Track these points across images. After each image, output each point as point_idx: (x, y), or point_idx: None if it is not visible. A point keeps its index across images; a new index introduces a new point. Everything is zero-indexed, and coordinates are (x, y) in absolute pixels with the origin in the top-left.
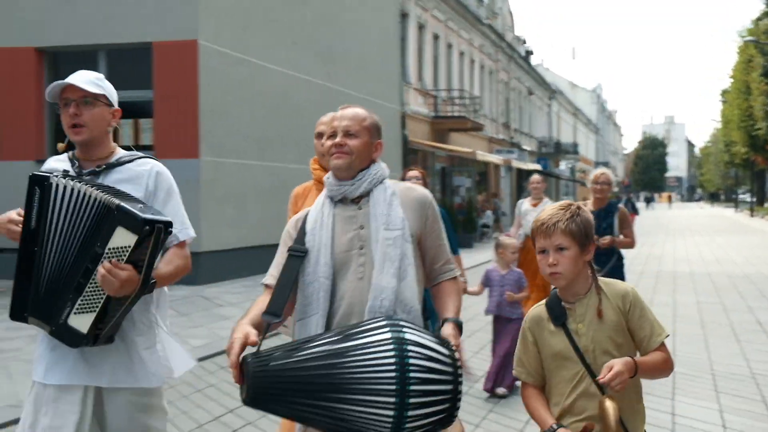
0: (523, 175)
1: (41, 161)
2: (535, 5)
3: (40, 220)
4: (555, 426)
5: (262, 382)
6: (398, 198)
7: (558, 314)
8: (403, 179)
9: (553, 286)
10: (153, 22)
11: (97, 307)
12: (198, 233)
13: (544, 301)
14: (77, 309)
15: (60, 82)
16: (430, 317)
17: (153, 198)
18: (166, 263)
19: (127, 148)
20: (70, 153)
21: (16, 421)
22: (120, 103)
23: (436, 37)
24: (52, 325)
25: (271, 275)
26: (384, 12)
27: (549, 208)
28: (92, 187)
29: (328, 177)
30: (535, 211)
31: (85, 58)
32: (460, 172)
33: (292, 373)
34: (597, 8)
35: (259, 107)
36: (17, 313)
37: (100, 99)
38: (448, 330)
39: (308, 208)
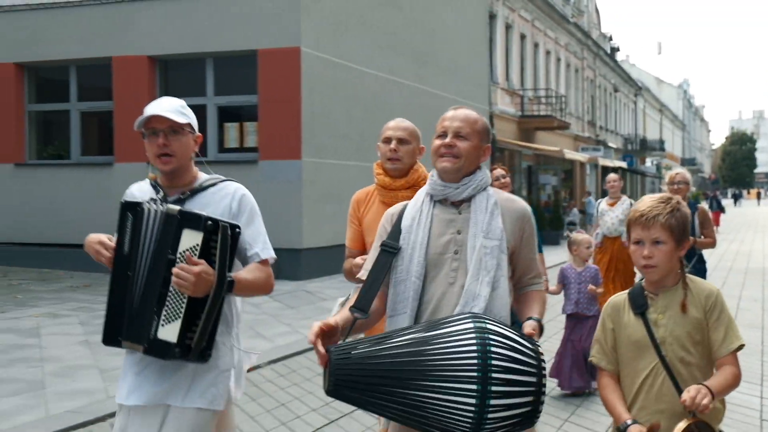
0: (608, 173)
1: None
2: (620, 1)
3: (133, 244)
4: (629, 422)
5: (343, 371)
6: (499, 208)
7: (639, 303)
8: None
9: (631, 288)
10: (258, 30)
11: (181, 312)
12: (299, 231)
13: (626, 291)
14: (163, 320)
15: (148, 113)
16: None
17: (236, 219)
18: (247, 271)
19: (204, 169)
20: (153, 180)
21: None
22: (226, 108)
23: (522, 37)
24: (144, 344)
25: (366, 269)
26: (472, 14)
27: (648, 199)
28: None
29: (432, 175)
30: (612, 210)
31: (193, 65)
32: (546, 170)
33: (374, 360)
34: (683, 2)
35: (355, 109)
36: (111, 337)
37: (186, 128)
38: (528, 323)
39: (405, 203)
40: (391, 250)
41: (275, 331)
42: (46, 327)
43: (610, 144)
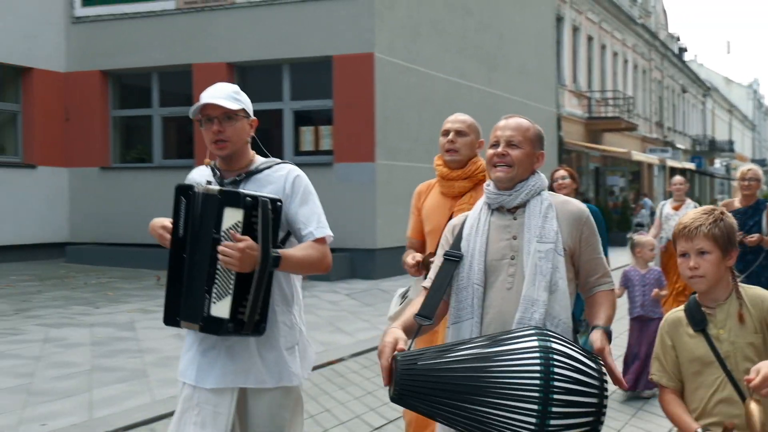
0: (675, 174)
1: None
2: (688, 1)
3: (187, 227)
4: (700, 430)
5: (408, 380)
6: (554, 211)
7: (698, 319)
8: (552, 179)
9: (692, 292)
10: (333, 37)
11: (230, 288)
12: (373, 231)
13: (682, 306)
14: (215, 298)
15: (202, 101)
16: (579, 331)
17: (290, 200)
18: (298, 248)
19: (262, 153)
20: (213, 163)
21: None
22: (301, 112)
23: (590, 39)
24: (200, 321)
25: (430, 278)
26: (541, 17)
27: (692, 212)
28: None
29: (488, 185)
30: (677, 214)
31: (270, 71)
32: (614, 172)
33: (438, 373)
34: (753, 1)
35: (426, 113)
36: (170, 318)
37: (240, 113)
38: (596, 336)
39: (466, 213)
40: (453, 258)
41: (355, 327)
42: (139, 321)
43: (678, 145)
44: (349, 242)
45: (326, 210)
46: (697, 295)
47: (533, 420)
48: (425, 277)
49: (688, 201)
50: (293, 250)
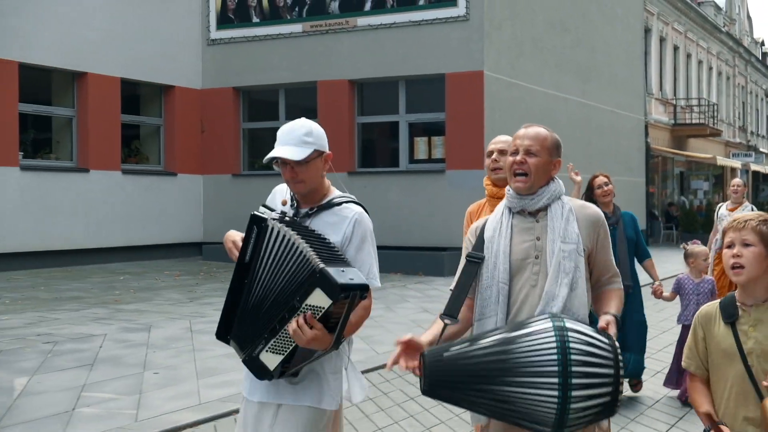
0: (759, 178)
1: (352, 173)
2: None
3: (254, 256)
4: (709, 410)
5: (437, 372)
6: (574, 214)
7: (730, 313)
8: (591, 185)
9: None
10: (446, 57)
11: (286, 351)
12: None
13: (717, 300)
14: (269, 348)
15: (273, 154)
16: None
17: (348, 243)
18: (352, 314)
19: (338, 186)
20: (292, 195)
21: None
22: (416, 124)
23: (675, 49)
24: (246, 355)
25: (454, 280)
26: (630, 30)
27: (748, 213)
28: (301, 237)
29: (508, 189)
30: (732, 216)
31: (387, 87)
32: (698, 176)
33: (464, 361)
34: None
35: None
36: (222, 334)
37: (312, 156)
38: (604, 317)
39: (486, 217)
40: (475, 260)
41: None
42: None
43: (762, 149)
44: (459, 242)
45: (438, 212)
46: (737, 291)
47: (556, 393)
48: None
49: (746, 203)
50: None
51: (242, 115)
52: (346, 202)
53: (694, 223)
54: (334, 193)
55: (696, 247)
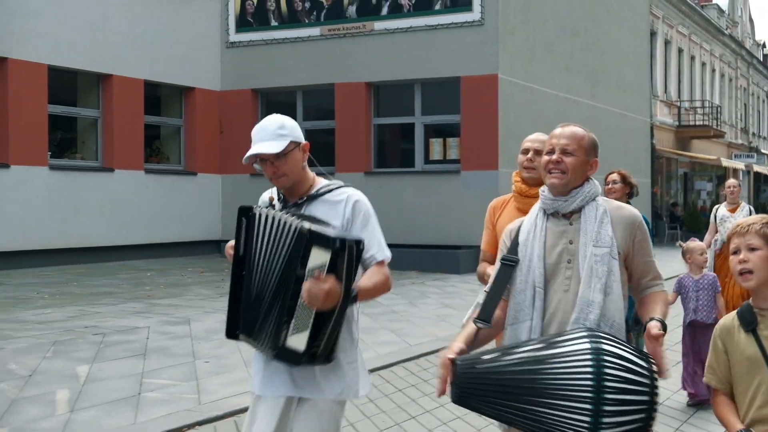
0: (761, 179)
1: (368, 173)
2: None
3: (247, 246)
4: (742, 429)
5: (468, 382)
6: (609, 216)
7: (749, 320)
8: (606, 181)
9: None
10: (461, 60)
11: (308, 324)
12: None
13: (735, 311)
14: (292, 330)
15: (251, 152)
16: (632, 330)
17: (351, 224)
18: (367, 278)
19: (318, 172)
20: (279, 192)
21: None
22: (431, 125)
23: (680, 51)
24: (274, 350)
25: (489, 283)
26: (637, 33)
27: (751, 217)
28: (290, 216)
29: (543, 190)
30: (732, 217)
31: (403, 89)
32: (701, 177)
33: (496, 375)
34: None
35: (539, 126)
36: (230, 332)
37: (289, 148)
38: (652, 323)
39: (521, 218)
40: (510, 263)
41: None
42: None
43: (763, 150)
44: (474, 240)
45: (453, 212)
46: (752, 298)
47: (587, 419)
48: None
49: (744, 204)
50: (365, 281)
51: (260, 116)
52: (336, 188)
53: (698, 223)
54: (321, 182)
55: (690, 243)
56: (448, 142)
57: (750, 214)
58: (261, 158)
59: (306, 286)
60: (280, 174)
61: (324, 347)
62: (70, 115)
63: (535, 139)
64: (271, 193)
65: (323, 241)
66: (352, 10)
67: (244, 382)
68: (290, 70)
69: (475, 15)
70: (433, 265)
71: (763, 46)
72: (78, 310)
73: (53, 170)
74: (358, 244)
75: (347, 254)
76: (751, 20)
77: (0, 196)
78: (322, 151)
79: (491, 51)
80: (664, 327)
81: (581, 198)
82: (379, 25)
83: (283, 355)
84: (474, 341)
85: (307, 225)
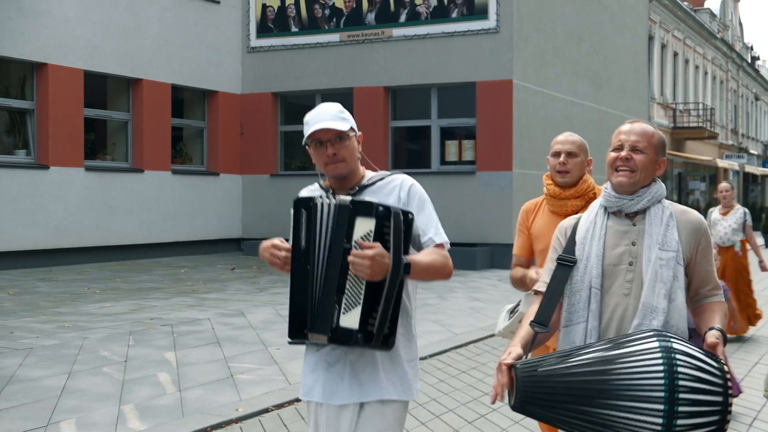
0: (749, 179)
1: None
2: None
3: (309, 239)
4: None
5: (530, 388)
6: (675, 220)
7: None
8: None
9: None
10: (477, 66)
11: (360, 299)
12: (510, 229)
13: None
14: (344, 308)
15: (314, 127)
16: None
17: (407, 208)
18: (424, 254)
19: (369, 167)
20: (322, 183)
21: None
22: (447, 128)
23: (675, 55)
24: (327, 333)
25: (543, 282)
26: (636, 38)
27: None
28: (349, 199)
29: (606, 187)
30: (725, 220)
31: (420, 93)
32: (695, 177)
33: (560, 378)
34: None
35: (549, 129)
36: (297, 332)
37: (350, 132)
38: (712, 332)
39: (578, 215)
40: (568, 263)
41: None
42: None
43: (752, 151)
44: (490, 238)
45: (469, 211)
46: None
47: (660, 420)
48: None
49: (738, 206)
50: (420, 256)
51: (280, 118)
52: (388, 175)
53: None
54: (370, 174)
55: None
56: (464, 144)
57: (744, 216)
58: (320, 141)
59: (351, 256)
60: (339, 158)
61: (380, 324)
62: (101, 118)
63: (564, 140)
64: (311, 189)
65: (366, 209)
66: (371, 17)
67: None
68: (310, 74)
69: (490, 23)
70: (452, 262)
71: (751, 48)
72: (134, 303)
73: (88, 171)
74: (406, 214)
75: (393, 221)
76: (740, 23)
77: (42, 196)
78: None
79: (506, 58)
80: (724, 337)
81: (648, 198)
82: (397, 31)
83: (338, 336)
84: (532, 344)
85: (349, 197)
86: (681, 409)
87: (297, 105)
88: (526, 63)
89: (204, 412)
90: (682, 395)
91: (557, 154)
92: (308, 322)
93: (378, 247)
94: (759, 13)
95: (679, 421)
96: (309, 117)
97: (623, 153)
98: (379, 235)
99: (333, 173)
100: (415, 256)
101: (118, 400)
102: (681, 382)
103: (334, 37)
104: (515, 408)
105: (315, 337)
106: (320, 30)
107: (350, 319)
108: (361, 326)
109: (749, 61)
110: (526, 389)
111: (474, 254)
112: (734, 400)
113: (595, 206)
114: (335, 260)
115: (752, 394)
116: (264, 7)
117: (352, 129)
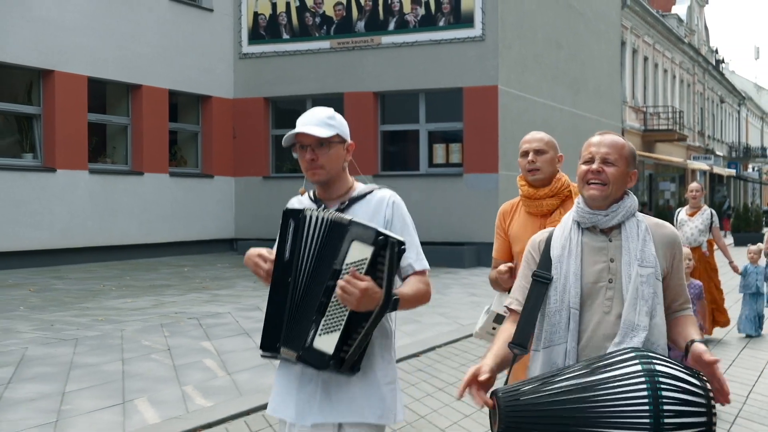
0: (715, 180)
1: (376, 176)
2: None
3: (294, 251)
4: None
5: (514, 418)
6: (650, 234)
7: None
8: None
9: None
10: (463, 72)
11: (340, 325)
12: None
13: None
14: (321, 330)
15: (293, 131)
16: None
17: (390, 227)
18: (408, 285)
19: (356, 173)
20: (311, 193)
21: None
22: (435, 132)
23: (645, 59)
24: (299, 350)
25: (516, 299)
26: (610, 44)
27: None
28: (339, 214)
29: (578, 202)
30: (692, 221)
31: (408, 99)
32: (664, 178)
33: (544, 407)
34: None
35: (531, 132)
36: (270, 345)
37: (334, 139)
38: (701, 347)
39: (550, 230)
40: (544, 280)
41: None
42: None
43: (718, 152)
44: (477, 237)
45: (457, 211)
46: None
47: None
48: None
49: (705, 207)
50: (406, 288)
51: (271, 122)
52: (377, 189)
53: (665, 221)
54: (360, 186)
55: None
56: (451, 147)
57: (711, 218)
58: (301, 144)
59: (342, 282)
60: (318, 165)
61: (352, 354)
62: (102, 123)
63: (531, 139)
64: (300, 200)
65: (365, 234)
66: (360, 25)
67: None
68: (301, 79)
69: (476, 31)
70: (439, 260)
71: (716, 52)
72: (154, 299)
73: (92, 174)
74: (401, 244)
75: (389, 253)
76: (706, 28)
77: (48, 198)
78: None
79: (492, 64)
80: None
81: (623, 213)
82: (386, 39)
83: (309, 356)
84: (510, 366)
85: (348, 217)
86: None
87: (288, 110)
88: (510, 69)
89: (259, 390)
90: (667, 420)
91: (525, 154)
92: (282, 335)
93: (369, 282)
94: (724, 18)
95: None
96: (300, 120)
97: (594, 166)
98: (373, 264)
99: (311, 179)
100: (403, 289)
101: (177, 382)
102: (666, 407)
103: (325, 44)
104: None
105: (286, 352)
106: (311, 37)
107: (326, 343)
108: (335, 352)
109: (714, 64)
110: (509, 418)
111: (462, 253)
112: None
113: (567, 221)
114: (320, 277)
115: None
116: (256, 14)
117: (338, 136)
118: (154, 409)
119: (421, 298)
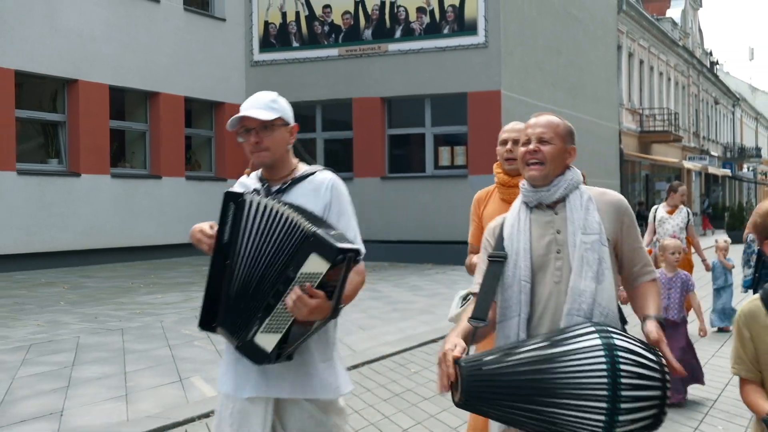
0: (711, 180)
1: (384, 178)
2: (712, 7)
3: (233, 234)
4: None
5: (475, 386)
6: (594, 203)
7: None
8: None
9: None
10: (468, 78)
11: (283, 328)
12: None
13: (757, 296)
14: (264, 328)
15: (237, 115)
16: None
17: (328, 210)
18: (348, 285)
19: (302, 159)
20: (258, 173)
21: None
22: (441, 136)
23: (641, 63)
24: (239, 341)
25: (477, 283)
26: (607, 49)
27: None
28: (285, 206)
29: (523, 184)
30: (671, 218)
31: (415, 103)
32: (660, 178)
33: (505, 378)
34: None
35: None
36: (207, 323)
37: (277, 122)
38: (650, 327)
39: (503, 215)
40: (498, 259)
41: None
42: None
43: (713, 153)
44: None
45: (461, 212)
46: None
47: (603, 417)
48: None
49: (681, 206)
50: (347, 290)
51: None
52: (318, 171)
53: None
54: (303, 167)
55: (666, 240)
56: (455, 150)
57: (688, 216)
58: (246, 128)
59: (293, 294)
60: (263, 147)
61: (290, 351)
62: (121, 129)
63: (511, 129)
64: (245, 181)
65: (326, 250)
66: (368, 33)
67: (375, 339)
68: (310, 86)
69: (480, 38)
70: (444, 258)
71: (710, 54)
72: (182, 295)
73: (114, 178)
74: (357, 254)
75: (345, 269)
76: (700, 31)
77: (75, 202)
78: (341, 159)
79: (495, 71)
80: (661, 325)
81: (564, 186)
82: (393, 46)
83: (248, 349)
84: (472, 339)
85: (313, 228)
86: (623, 405)
87: (298, 115)
88: (512, 75)
89: None
90: (624, 392)
91: (504, 143)
92: (219, 317)
93: (321, 299)
94: (718, 19)
95: (621, 417)
96: (243, 104)
97: (531, 146)
98: (325, 280)
99: (256, 161)
100: (345, 293)
101: None
102: (623, 380)
103: (333, 52)
104: (460, 405)
105: (222, 333)
106: (320, 45)
107: (267, 341)
108: (275, 350)
109: (708, 66)
110: (471, 386)
111: (465, 251)
112: (691, 389)
113: (516, 204)
114: (270, 276)
115: (709, 384)
116: (266, 24)
117: (281, 119)
118: (209, 385)
119: (358, 288)
